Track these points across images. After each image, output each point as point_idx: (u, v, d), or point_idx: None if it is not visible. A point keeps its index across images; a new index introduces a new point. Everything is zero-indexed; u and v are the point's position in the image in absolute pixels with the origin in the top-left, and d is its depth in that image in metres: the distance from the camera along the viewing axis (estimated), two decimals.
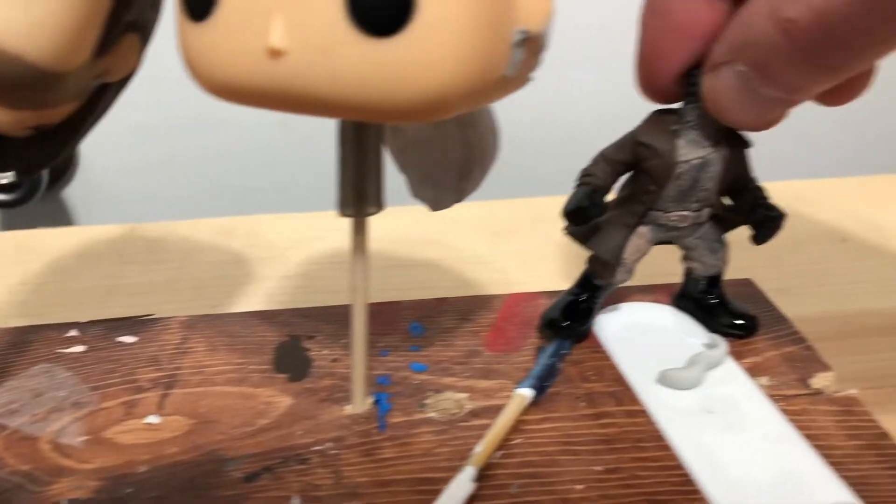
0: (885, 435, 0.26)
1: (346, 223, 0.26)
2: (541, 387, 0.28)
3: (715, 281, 0.32)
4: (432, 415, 0.27)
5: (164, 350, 0.30)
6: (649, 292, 0.34)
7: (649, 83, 0.28)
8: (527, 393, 0.27)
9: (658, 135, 0.28)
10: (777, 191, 0.31)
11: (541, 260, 0.42)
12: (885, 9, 0.20)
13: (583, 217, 0.28)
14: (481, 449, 0.25)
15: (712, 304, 0.32)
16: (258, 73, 0.20)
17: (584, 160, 0.30)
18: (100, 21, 0.22)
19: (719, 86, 0.25)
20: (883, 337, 0.36)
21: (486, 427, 0.26)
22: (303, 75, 0.20)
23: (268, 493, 0.24)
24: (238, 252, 0.44)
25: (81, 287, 0.41)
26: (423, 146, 0.28)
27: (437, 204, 0.29)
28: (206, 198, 0.72)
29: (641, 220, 0.29)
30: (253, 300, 0.39)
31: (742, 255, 0.32)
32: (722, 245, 0.31)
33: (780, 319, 0.32)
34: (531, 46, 0.22)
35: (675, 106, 0.28)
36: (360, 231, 0.25)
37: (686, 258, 0.32)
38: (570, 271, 0.38)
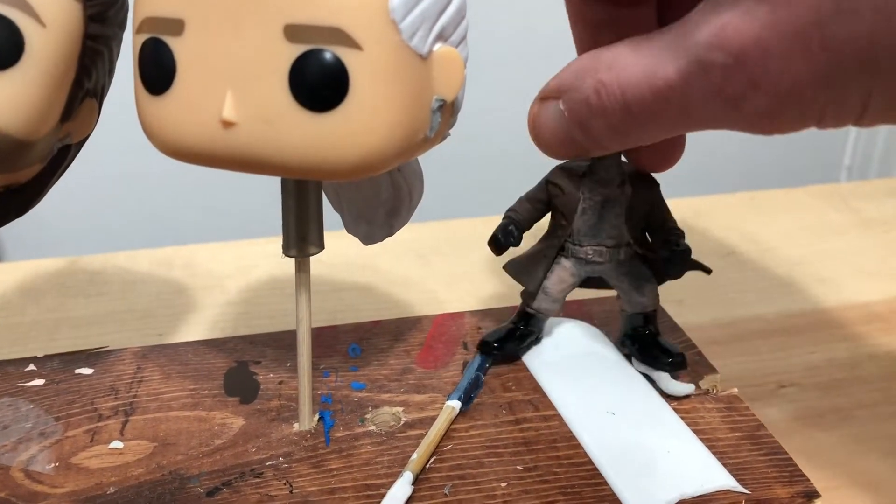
0: (761, 426, 0.31)
1: (277, 249, 0.29)
2: (467, 398, 0.31)
3: (646, 319, 0.34)
4: (372, 428, 0.31)
5: (120, 380, 0.33)
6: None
7: None
8: (455, 404, 0.31)
9: (565, 176, 0.32)
10: (674, 207, 0.35)
11: (465, 280, 0.46)
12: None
13: (498, 246, 0.32)
14: (417, 456, 0.28)
15: (642, 341, 0.34)
16: (211, 141, 0.23)
17: (504, 186, 0.34)
18: (66, 92, 0.25)
19: (541, 117, 0.26)
20: (764, 340, 0.41)
21: (420, 436, 0.30)
22: (251, 143, 0.23)
23: None
24: (178, 282, 0.47)
25: (28, 321, 0.43)
26: (355, 188, 0.31)
27: (369, 239, 0.32)
28: (143, 229, 0.74)
29: (561, 252, 0.33)
30: (197, 328, 0.42)
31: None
32: (648, 282, 0.33)
33: (674, 328, 0.37)
34: (447, 111, 0.25)
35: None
36: (303, 269, 0.28)
37: (617, 296, 0.35)
38: (493, 289, 0.42)
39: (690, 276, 0.46)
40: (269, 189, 0.71)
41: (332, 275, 0.46)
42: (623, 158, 0.32)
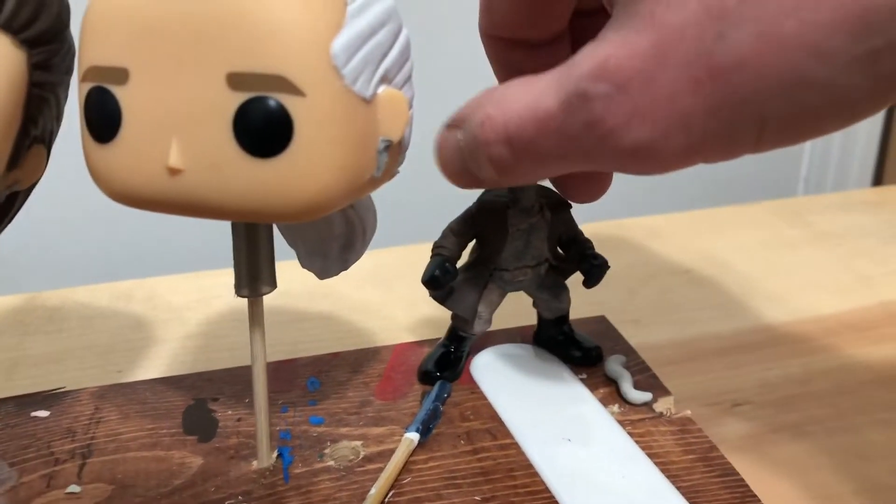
0: (713, 447, 0.31)
1: None
2: (426, 429, 0.32)
3: (561, 321, 0.37)
4: (331, 463, 0.31)
5: (77, 421, 0.33)
6: (513, 334, 0.38)
7: None
8: (413, 436, 0.31)
9: (492, 209, 0.33)
10: (631, 227, 0.36)
11: (425, 303, 0.47)
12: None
13: (437, 284, 0.33)
14: (375, 491, 0.28)
15: (561, 340, 0.37)
16: (158, 187, 0.24)
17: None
18: (11, 140, 0.25)
19: (443, 145, 0.26)
20: (719, 358, 0.42)
21: (379, 470, 0.30)
22: (198, 189, 0.23)
23: None
24: (138, 315, 0.47)
25: None
26: (309, 224, 0.31)
27: (324, 273, 0.33)
28: (102, 262, 0.73)
29: (489, 280, 0.34)
30: (156, 363, 0.42)
31: (599, 292, 0.37)
32: (564, 290, 0.36)
33: (629, 351, 0.37)
34: (394, 150, 0.26)
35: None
36: (255, 308, 0.29)
37: (535, 304, 0.36)
38: (428, 312, 0.42)
39: (649, 295, 0.47)
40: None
41: (292, 305, 0.46)
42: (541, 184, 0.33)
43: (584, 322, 0.39)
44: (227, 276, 0.53)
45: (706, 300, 0.48)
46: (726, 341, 0.44)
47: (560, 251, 0.35)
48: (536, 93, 0.22)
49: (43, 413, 0.33)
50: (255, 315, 0.29)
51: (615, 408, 0.34)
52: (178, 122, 0.23)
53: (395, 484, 0.29)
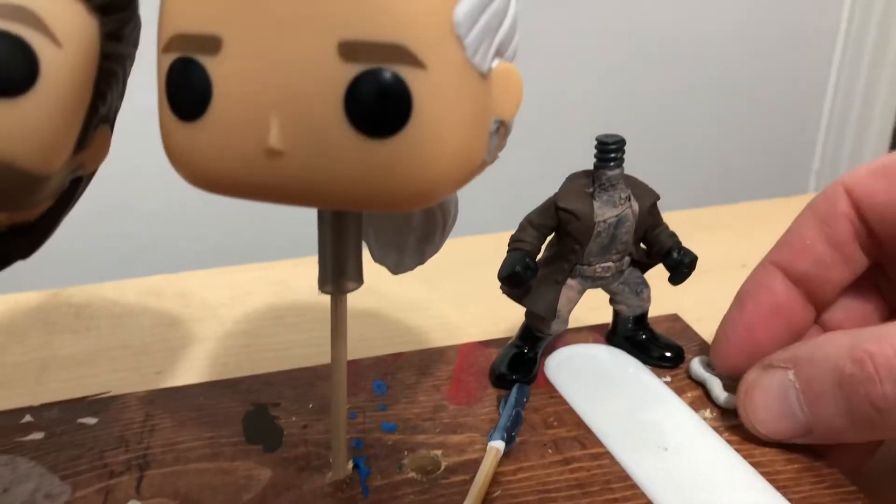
0: (819, 456, 0.29)
1: (276, 274, 0.26)
2: (510, 437, 0.29)
3: (642, 319, 0.35)
4: (411, 474, 0.28)
5: (129, 429, 0.30)
6: (584, 333, 0.36)
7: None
8: (498, 445, 0.29)
9: (576, 199, 0.31)
10: (679, 220, 0.34)
11: (475, 301, 0.44)
12: None
13: (518, 281, 0.31)
14: None
15: (642, 340, 0.35)
16: (253, 172, 0.21)
17: (508, 202, 0.32)
18: (81, 118, 0.22)
19: (760, 386, 0.26)
20: None
21: (464, 482, 0.28)
22: (300, 173, 0.21)
23: None
24: (171, 313, 0.44)
25: (12, 362, 0.39)
26: (386, 215, 0.29)
27: (398, 267, 0.30)
28: (128, 257, 0.70)
29: (569, 275, 0.32)
30: (196, 364, 0.39)
31: (653, 288, 0.35)
32: (645, 286, 0.34)
33: (708, 351, 0.35)
34: (503, 132, 0.23)
35: (587, 170, 0.32)
36: (339, 307, 0.26)
37: (613, 301, 0.34)
38: (505, 311, 0.40)
39: (706, 291, 0.44)
40: (262, 212, 0.67)
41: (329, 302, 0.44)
42: (623, 171, 0.31)
43: (655, 320, 0.37)
44: (259, 271, 0.50)
45: None
46: None
47: (643, 245, 0.33)
48: None
49: (91, 420, 0.31)
50: (339, 314, 0.26)
51: (707, 413, 0.31)
52: (279, 98, 0.20)
53: (486, 498, 0.27)
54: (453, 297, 0.45)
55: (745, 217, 0.57)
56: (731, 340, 0.29)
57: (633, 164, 0.32)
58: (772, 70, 1.18)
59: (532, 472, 0.28)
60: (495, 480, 0.28)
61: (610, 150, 0.30)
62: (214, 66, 0.21)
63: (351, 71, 0.20)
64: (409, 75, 0.20)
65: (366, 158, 0.20)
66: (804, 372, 0.25)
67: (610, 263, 0.32)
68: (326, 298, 0.26)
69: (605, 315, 0.36)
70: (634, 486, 0.28)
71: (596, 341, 0.36)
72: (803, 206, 0.31)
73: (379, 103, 0.20)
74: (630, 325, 0.34)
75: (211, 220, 0.71)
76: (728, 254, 0.50)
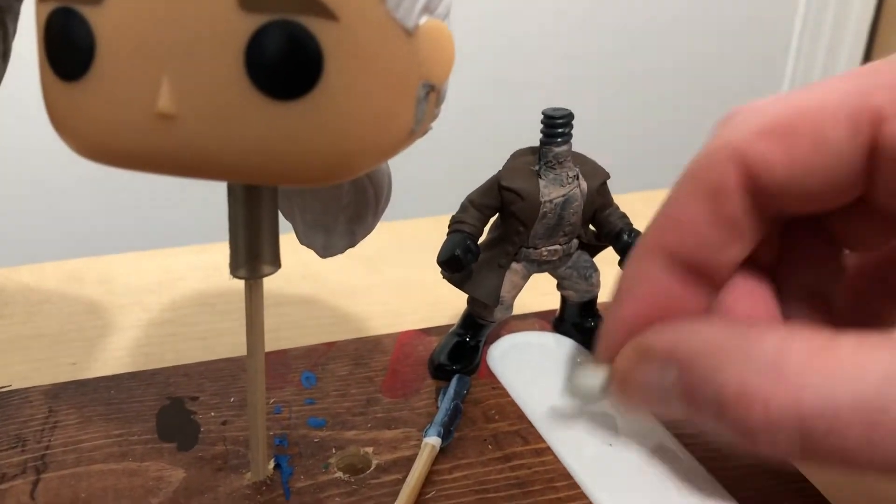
0: None
1: (209, 258, 0.24)
2: (447, 432, 0.27)
3: (590, 305, 0.33)
4: (338, 474, 0.26)
5: (28, 427, 0.27)
6: (530, 320, 0.34)
7: None
8: (434, 441, 0.27)
9: (520, 178, 0.29)
10: (632, 201, 0.32)
11: (419, 288, 0.42)
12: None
13: (458, 265, 0.28)
14: None
15: (591, 327, 0.33)
16: (143, 139, 0.18)
17: (449, 183, 0.30)
18: None
19: (640, 378, 0.22)
20: None
21: (396, 482, 0.25)
22: (195, 141, 0.18)
23: None
24: (92, 299, 0.41)
25: None
26: (312, 192, 0.26)
27: (327, 250, 0.28)
28: (48, 239, 0.66)
29: (514, 258, 0.30)
30: (117, 355, 0.36)
31: (603, 273, 0.33)
32: (594, 271, 0.32)
33: None
34: (435, 99, 0.21)
35: (532, 146, 0.29)
36: (254, 293, 0.24)
37: (561, 286, 0.32)
38: (450, 298, 0.38)
39: None
40: (197, 190, 0.64)
41: (269, 286, 0.41)
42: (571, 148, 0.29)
43: (605, 307, 0.35)
44: (191, 255, 0.48)
45: None
46: None
47: (592, 227, 0.31)
48: (856, 371, 0.17)
49: None
50: (254, 300, 0.24)
51: None
52: (171, 54, 0.18)
53: (419, 500, 0.25)
54: (394, 282, 0.43)
55: None
56: (612, 343, 0.24)
57: (584, 144, 0.30)
58: (729, 55, 1.17)
59: (470, 469, 0.26)
60: (429, 480, 0.26)
61: (557, 124, 0.28)
62: (97, 17, 0.18)
63: (252, 22, 0.17)
64: (319, 28, 0.17)
65: (270, 124, 0.18)
66: (685, 378, 0.20)
67: (557, 246, 0.30)
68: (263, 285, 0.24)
69: (552, 301, 0.34)
70: (577, 486, 0.26)
71: (542, 329, 0.34)
72: None
73: (284, 60, 0.17)
74: (578, 312, 0.32)
75: (139, 198, 0.67)
76: None
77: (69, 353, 0.36)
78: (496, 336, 0.33)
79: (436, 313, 0.39)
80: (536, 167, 0.29)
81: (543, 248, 0.30)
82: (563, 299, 0.33)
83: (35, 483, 0.25)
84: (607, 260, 0.32)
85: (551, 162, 0.29)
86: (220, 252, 0.45)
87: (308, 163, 0.18)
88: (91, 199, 0.68)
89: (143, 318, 0.39)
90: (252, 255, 0.23)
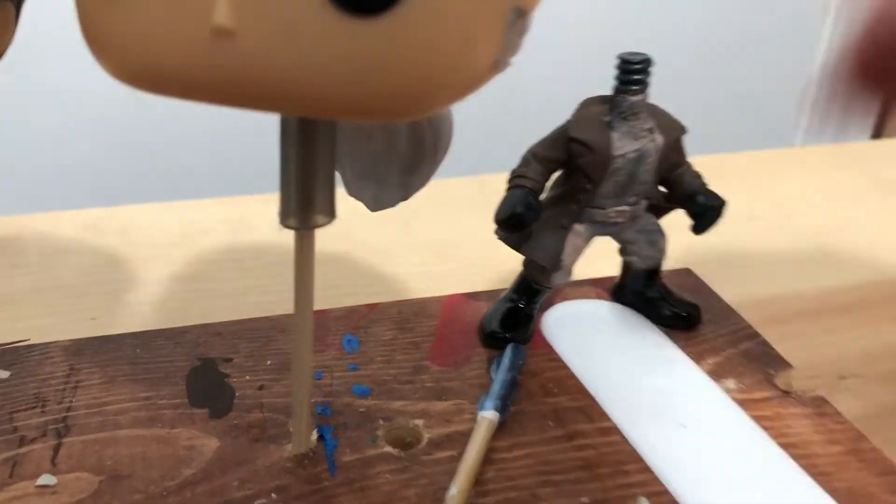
0: (862, 437, 0.25)
1: (235, 211, 0.21)
2: (504, 405, 0.25)
3: (654, 273, 0.30)
4: (387, 448, 0.24)
5: (48, 385, 0.25)
6: (585, 287, 0.32)
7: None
8: (491, 415, 0.24)
9: (591, 129, 0.26)
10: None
11: (457, 249, 0.39)
12: None
13: (518, 224, 0.26)
14: (456, 490, 0.22)
15: (653, 297, 0.30)
16: (195, 58, 0.16)
17: (494, 139, 0.27)
18: None
19: None
20: (808, 321, 0.36)
21: (451, 459, 0.23)
22: (255, 61, 0.16)
23: None
24: (112, 251, 0.39)
25: None
26: (365, 137, 0.24)
27: (377, 202, 0.25)
28: (66, 187, 0.63)
29: (577, 219, 0.27)
30: (139, 311, 0.34)
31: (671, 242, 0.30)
32: (661, 236, 0.29)
33: (728, 312, 0.31)
34: (521, 27, 0.18)
35: (603, 95, 0.27)
36: (305, 245, 0.21)
37: (624, 251, 0.30)
38: (494, 259, 0.35)
39: (711, 244, 0.40)
40: (219, 135, 0.61)
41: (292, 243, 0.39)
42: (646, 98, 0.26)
43: (664, 276, 0.32)
44: (216, 207, 0.45)
45: (778, 253, 0.41)
46: (812, 302, 0.38)
47: (662, 187, 0.29)
48: None
49: (2, 373, 0.26)
50: (304, 254, 0.21)
51: (731, 383, 0.27)
52: None
53: (477, 479, 0.23)
54: (431, 243, 0.40)
55: (749, 167, 0.52)
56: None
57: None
58: (765, 13, 1.12)
59: (531, 448, 0.24)
60: (487, 458, 0.23)
61: (634, 70, 0.26)
62: None
63: None
64: None
65: (345, 44, 0.15)
66: None
67: (625, 207, 0.27)
68: (290, 239, 0.21)
69: (608, 267, 0.31)
70: (649, 469, 0.24)
71: (599, 297, 0.31)
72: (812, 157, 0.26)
73: None
74: (641, 280, 0.30)
75: (161, 145, 0.64)
76: (734, 205, 0.46)
77: (89, 307, 0.34)
78: (548, 303, 0.30)
79: (477, 276, 0.37)
80: (608, 118, 0.26)
81: (611, 209, 0.27)
82: (625, 266, 0.30)
83: (56, 448, 0.23)
84: (674, 225, 0.30)
85: (625, 112, 0.26)
86: (247, 206, 0.43)
87: (383, 92, 0.16)
88: (108, 145, 0.65)
89: (166, 273, 0.37)
90: (304, 202, 0.20)
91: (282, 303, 0.33)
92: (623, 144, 0.26)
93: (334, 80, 0.15)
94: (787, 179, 0.50)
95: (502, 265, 0.36)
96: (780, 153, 0.54)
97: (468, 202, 0.40)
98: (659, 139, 0.26)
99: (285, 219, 0.21)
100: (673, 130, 0.27)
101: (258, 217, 0.42)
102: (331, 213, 0.21)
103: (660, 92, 0.28)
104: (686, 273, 0.33)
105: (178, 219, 0.41)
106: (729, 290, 0.36)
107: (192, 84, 0.16)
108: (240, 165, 0.58)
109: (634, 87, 0.26)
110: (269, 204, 0.42)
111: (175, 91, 0.17)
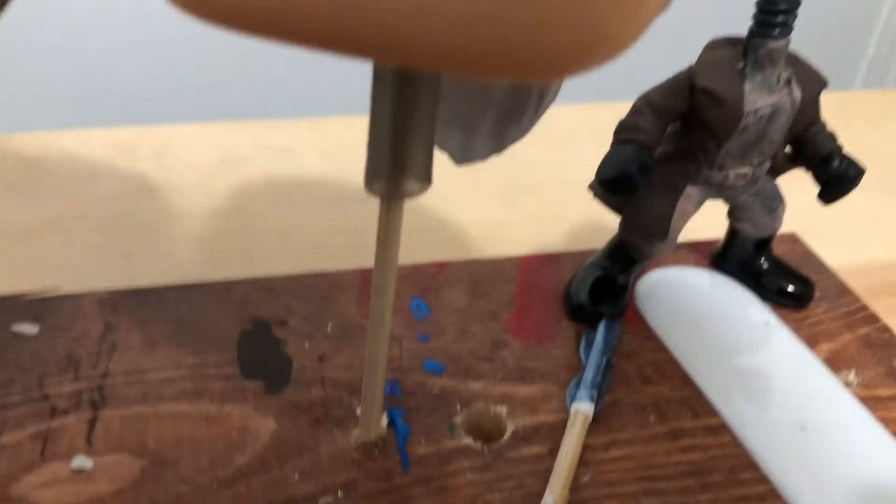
0: None
1: (279, 137, 0.18)
2: (599, 395, 0.22)
3: (766, 243, 0.27)
4: (467, 441, 0.21)
5: (81, 346, 0.22)
6: (683, 252, 0.28)
7: None
8: (587, 408, 0.21)
9: (721, 78, 0.22)
10: None
11: (531, 199, 0.36)
12: None
13: (628, 186, 0.22)
14: (552, 500, 0.19)
15: (761, 268, 0.27)
16: None
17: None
18: None
19: None
20: None
21: (539, 457, 0.20)
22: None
23: None
24: (145, 177, 0.35)
25: None
26: (455, 80, 0.20)
27: (464, 154, 0.21)
28: (94, 101, 0.58)
29: (693, 180, 0.23)
30: (177, 250, 0.31)
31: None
32: (780, 202, 0.26)
33: (840, 290, 0.27)
34: None
35: (731, 37, 0.23)
36: (392, 215, 0.18)
37: (735, 217, 0.26)
38: (576, 216, 0.32)
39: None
40: (264, 52, 0.56)
41: (351, 186, 0.35)
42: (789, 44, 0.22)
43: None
44: (257, 132, 0.41)
45: (879, 211, 0.38)
46: None
47: (788, 148, 0.25)
48: None
49: (30, 328, 0.23)
50: (391, 225, 0.18)
51: (850, 376, 0.24)
52: None
53: (573, 485, 0.20)
54: (500, 192, 0.36)
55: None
56: None
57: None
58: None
59: (630, 448, 0.21)
60: (582, 458, 0.20)
61: (780, 10, 0.21)
62: None
63: None
64: None
65: None
66: None
67: (747, 169, 0.23)
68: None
69: (711, 229, 0.28)
70: (766, 480, 0.21)
71: (698, 264, 0.28)
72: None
73: None
74: (750, 249, 0.26)
75: (200, 61, 0.59)
76: None
77: (121, 242, 0.31)
78: (640, 271, 0.27)
79: (554, 237, 0.33)
80: (741, 65, 0.22)
81: (731, 171, 0.23)
82: (733, 232, 0.27)
83: (92, 423, 0.20)
84: (791, 189, 0.26)
85: (761, 60, 0.22)
86: (293, 131, 0.39)
87: (543, 42, 0.12)
88: (147, 58, 0.60)
89: (205, 206, 0.33)
90: (398, 165, 0.17)
91: (333, 247, 0.30)
92: (756, 98, 0.22)
93: (478, 25, 0.12)
94: (875, 123, 0.46)
95: (586, 222, 0.32)
96: (854, 96, 0.49)
97: (550, 137, 0.35)
98: (796, 93, 0.22)
99: (372, 183, 0.17)
100: (812, 83, 0.23)
101: (306, 146, 0.38)
102: (427, 178, 0.17)
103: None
104: (791, 239, 0.30)
105: (216, 143, 0.38)
106: (831, 255, 0.33)
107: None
108: (285, 85, 0.53)
109: (776, 30, 0.22)
110: (318, 132, 0.38)
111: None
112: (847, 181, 0.24)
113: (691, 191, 0.24)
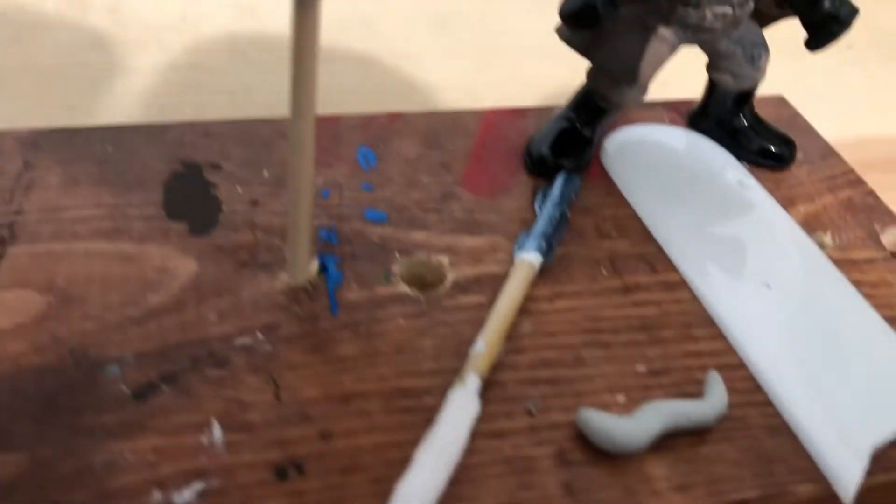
0: None
1: None
2: (549, 247, 0.20)
3: (746, 97, 0.25)
4: (403, 288, 0.19)
5: None
6: (657, 110, 0.26)
7: None
8: (533, 258, 0.20)
9: None
10: None
11: (501, 56, 0.34)
12: None
13: (591, 18, 0.20)
14: (485, 347, 0.17)
15: (741, 126, 0.25)
16: None
17: None
18: None
19: None
20: None
21: (479, 306, 0.19)
22: None
23: (171, 417, 0.16)
24: (97, 30, 0.33)
25: None
26: None
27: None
28: None
29: (665, 20, 0.21)
30: (124, 101, 0.29)
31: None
32: (764, 50, 0.23)
33: (827, 152, 0.26)
34: None
35: None
36: (305, 15, 0.16)
37: (714, 68, 0.24)
38: (546, 72, 0.30)
39: (801, 72, 0.33)
40: None
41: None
42: None
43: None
44: None
45: (880, 88, 0.35)
46: None
47: None
48: None
49: None
50: (305, 26, 0.16)
51: (826, 238, 0.22)
52: None
53: (511, 333, 0.18)
54: (472, 48, 0.34)
55: None
56: None
57: None
58: None
59: (578, 300, 0.20)
60: (525, 308, 0.19)
61: None
62: None
63: None
64: None
65: None
66: None
67: (727, 9, 0.21)
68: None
69: (688, 86, 0.26)
70: (723, 336, 0.19)
71: (673, 122, 0.26)
72: None
73: None
74: (729, 104, 0.24)
75: None
76: None
77: (66, 94, 0.29)
78: (611, 127, 0.25)
79: (526, 91, 0.31)
80: None
81: (709, 10, 0.21)
82: (713, 86, 0.25)
83: None
84: (776, 41, 0.24)
85: None
86: None
87: None
88: None
89: (159, 61, 0.32)
90: None
91: (287, 106, 0.28)
92: None
93: None
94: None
95: (557, 78, 0.30)
96: None
97: (514, 3, 0.34)
98: None
99: None
100: None
101: (270, 4, 0.36)
102: None
103: None
104: (779, 102, 0.28)
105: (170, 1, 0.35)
106: (825, 127, 0.31)
107: None
108: None
109: None
110: None
111: None
112: (837, 24, 0.21)
113: (665, 32, 0.22)
